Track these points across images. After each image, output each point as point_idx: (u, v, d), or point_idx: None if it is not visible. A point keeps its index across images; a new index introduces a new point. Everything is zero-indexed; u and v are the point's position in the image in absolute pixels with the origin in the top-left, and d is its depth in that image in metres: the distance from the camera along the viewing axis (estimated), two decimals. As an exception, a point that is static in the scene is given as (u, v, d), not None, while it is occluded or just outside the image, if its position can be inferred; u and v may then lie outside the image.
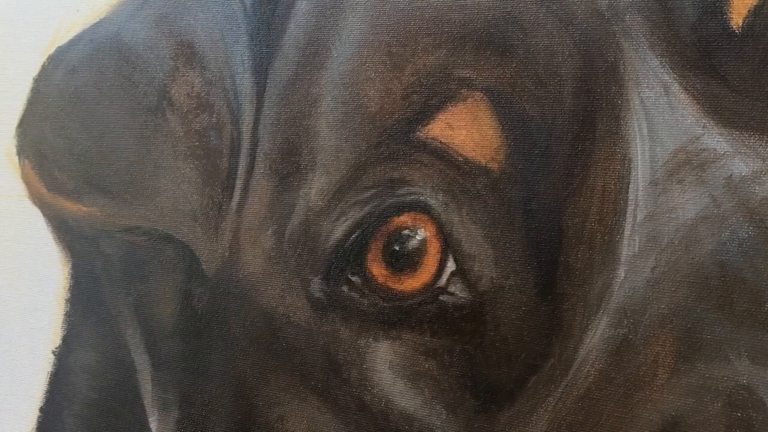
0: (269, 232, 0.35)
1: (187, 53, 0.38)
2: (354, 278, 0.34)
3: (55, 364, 0.41)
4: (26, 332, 0.41)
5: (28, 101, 0.41)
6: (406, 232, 0.33)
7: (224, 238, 0.36)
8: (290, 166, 0.35)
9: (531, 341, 0.33)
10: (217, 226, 0.37)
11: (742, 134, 0.30)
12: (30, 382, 0.41)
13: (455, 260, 0.33)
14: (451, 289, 0.33)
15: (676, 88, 0.31)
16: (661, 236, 0.31)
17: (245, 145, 0.36)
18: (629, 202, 0.31)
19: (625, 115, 0.31)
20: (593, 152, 0.32)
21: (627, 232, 0.31)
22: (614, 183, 0.32)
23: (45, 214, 0.41)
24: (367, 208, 0.33)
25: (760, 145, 0.30)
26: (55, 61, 0.40)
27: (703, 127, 0.31)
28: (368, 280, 0.33)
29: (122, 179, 0.39)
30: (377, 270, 0.33)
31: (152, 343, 0.39)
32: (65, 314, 0.41)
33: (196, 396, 0.38)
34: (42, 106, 0.41)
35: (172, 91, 0.38)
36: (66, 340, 0.41)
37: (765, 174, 0.30)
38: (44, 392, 0.41)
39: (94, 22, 0.40)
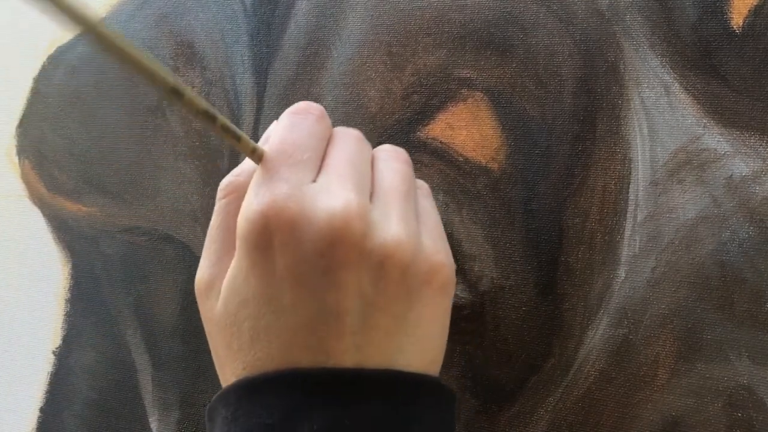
0: (269, 232, 0.35)
1: (187, 53, 0.38)
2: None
3: (55, 364, 0.41)
4: (26, 332, 0.41)
5: (28, 101, 0.41)
6: (406, 232, 0.33)
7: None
8: (290, 166, 0.35)
9: (531, 341, 0.33)
10: (217, 226, 0.37)
11: (743, 134, 0.30)
12: (30, 382, 0.41)
13: (455, 260, 0.33)
14: (452, 289, 0.33)
15: (676, 88, 0.31)
16: (661, 236, 0.31)
17: (245, 145, 0.36)
18: (629, 202, 0.31)
19: (625, 115, 0.31)
20: (593, 152, 0.32)
21: (627, 232, 0.31)
22: (614, 183, 0.31)
23: (45, 214, 0.41)
24: (367, 208, 0.33)
25: (761, 145, 0.30)
26: (55, 61, 0.40)
27: (704, 127, 0.31)
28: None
29: (122, 179, 0.39)
30: (377, 270, 0.33)
31: (152, 343, 0.39)
32: (65, 314, 0.41)
33: (196, 396, 0.38)
34: (42, 106, 0.40)
35: (172, 91, 0.38)
36: (66, 340, 0.41)
37: (765, 174, 0.30)
38: (44, 392, 0.41)
39: (94, 22, 0.40)
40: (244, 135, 0.25)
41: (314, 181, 0.25)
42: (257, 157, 0.26)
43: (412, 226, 0.26)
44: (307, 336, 0.24)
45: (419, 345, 0.26)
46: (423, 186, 0.30)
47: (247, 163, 0.28)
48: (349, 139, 0.28)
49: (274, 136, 0.26)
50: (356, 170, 0.26)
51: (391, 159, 0.28)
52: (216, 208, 0.28)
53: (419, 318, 0.26)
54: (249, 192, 0.25)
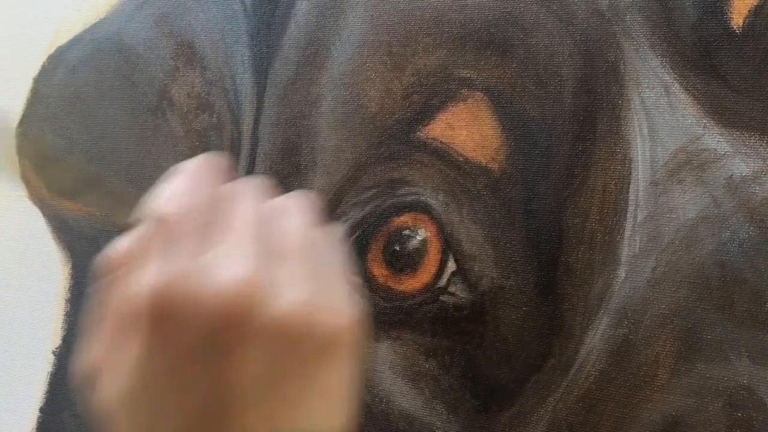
0: (269, 232, 0.35)
1: (188, 53, 0.38)
2: (354, 278, 0.34)
3: (55, 364, 0.41)
4: (26, 332, 0.41)
5: (28, 101, 0.41)
6: (406, 232, 0.33)
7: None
8: (290, 167, 0.35)
9: (531, 341, 0.33)
10: (217, 226, 0.36)
11: (743, 134, 0.30)
12: (30, 382, 0.41)
13: (456, 260, 0.33)
14: (452, 289, 0.33)
15: (676, 88, 0.31)
16: (661, 236, 0.31)
17: (245, 145, 0.36)
18: (629, 203, 0.31)
19: (625, 115, 0.31)
20: (593, 152, 0.32)
21: (627, 233, 0.31)
22: (614, 183, 0.31)
23: (45, 214, 0.41)
24: (367, 209, 0.33)
25: (761, 145, 0.30)
26: (55, 61, 0.40)
27: (704, 127, 0.31)
28: (369, 280, 0.33)
29: (122, 179, 0.39)
30: (378, 270, 0.33)
31: (152, 343, 0.39)
32: (65, 314, 0.41)
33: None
34: (42, 106, 0.40)
35: (173, 91, 0.38)
36: (66, 340, 0.41)
37: (765, 174, 0.30)
38: (44, 392, 0.41)
39: (94, 22, 0.40)
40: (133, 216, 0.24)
41: (209, 249, 0.24)
42: (142, 226, 0.24)
43: (308, 290, 0.25)
44: (211, 416, 0.23)
45: (327, 409, 0.25)
46: (330, 233, 0.28)
47: (133, 236, 0.26)
48: (245, 196, 0.26)
49: (164, 201, 0.25)
50: (252, 236, 0.25)
51: (291, 214, 0.27)
52: (98, 286, 0.26)
53: (323, 384, 0.25)
54: (138, 266, 0.24)
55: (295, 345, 0.24)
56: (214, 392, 0.23)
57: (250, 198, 0.26)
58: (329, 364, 0.25)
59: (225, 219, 0.25)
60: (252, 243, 0.25)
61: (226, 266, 0.23)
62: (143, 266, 0.23)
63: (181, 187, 0.25)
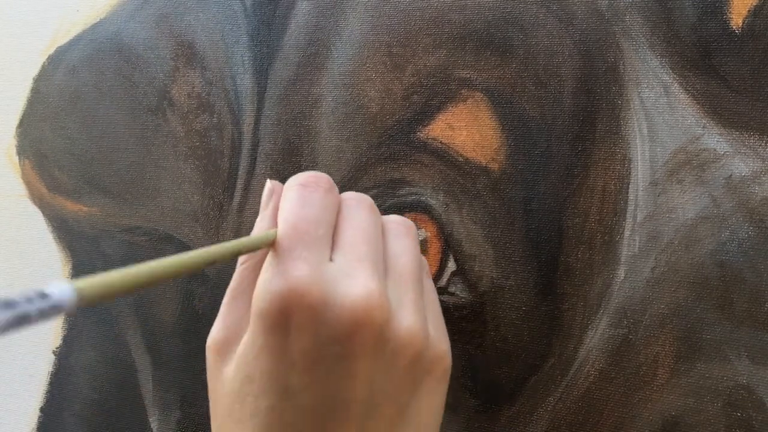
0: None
1: (188, 53, 0.38)
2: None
3: (55, 364, 0.41)
4: (26, 332, 0.41)
5: (28, 101, 0.41)
6: (406, 232, 0.33)
7: (225, 238, 0.36)
8: (291, 167, 0.35)
9: (531, 341, 0.33)
10: (218, 226, 0.37)
11: (742, 134, 0.30)
12: (30, 382, 0.41)
13: (456, 260, 0.33)
14: (452, 289, 0.33)
15: (676, 88, 0.31)
16: (661, 236, 0.31)
17: (246, 145, 0.36)
18: (629, 203, 0.31)
19: (625, 116, 0.32)
20: (593, 152, 0.32)
21: (627, 233, 0.31)
22: (614, 183, 0.32)
23: (45, 214, 0.41)
24: (367, 209, 0.33)
25: (760, 145, 0.30)
26: (55, 61, 0.40)
27: (703, 127, 0.31)
28: (369, 280, 0.33)
29: (123, 179, 0.39)
30: (378, 270, 0.33)
31: (153, 343, 0.39)
32: (65, 314, 0.41)
33: (197, 396, 0.38)
34: (42, 106, 0.40)
35: (173, 92, 0.38)
36: (66, 340, 0.41)
37: (765, 174, 0.30)
38: (44, 392, 0.41)
39: (94, 22, 0.40)
40: (245, 239, 0.24)
41: (331, 258, 0.25)
42: (269, 239, 0.25)
43: (423, 314, 0.26)
44: (312, 421, 0.24)
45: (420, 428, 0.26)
46: (425, 263, 0.30)
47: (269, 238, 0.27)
48: (361, 210, 0.27)
49: (286, 212, 0.26)
50: (372, 248, 0.26)
51: (402, 235, 0.28)
52: (236, 271, 0.27)
53: (420, 407, 0.26)
54: (266, 269, 0.25)
55: (408, 363, 0.25)
56: (325, 397, 0.24)
57: (364, 211, 0.28)
58: (428, 387, 0.26)
59: (342, 229, 0.26)
60: (373, 256, 0.26)
61: (353, 278, 0.24)
62: (272, 271, 0.24)
63: (297, 199, 0.26)
